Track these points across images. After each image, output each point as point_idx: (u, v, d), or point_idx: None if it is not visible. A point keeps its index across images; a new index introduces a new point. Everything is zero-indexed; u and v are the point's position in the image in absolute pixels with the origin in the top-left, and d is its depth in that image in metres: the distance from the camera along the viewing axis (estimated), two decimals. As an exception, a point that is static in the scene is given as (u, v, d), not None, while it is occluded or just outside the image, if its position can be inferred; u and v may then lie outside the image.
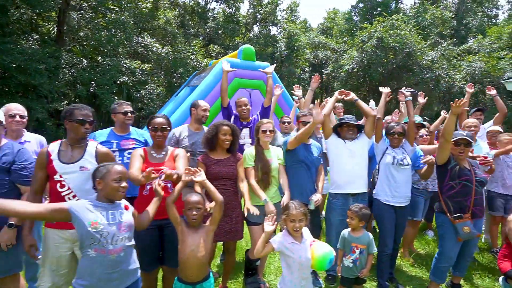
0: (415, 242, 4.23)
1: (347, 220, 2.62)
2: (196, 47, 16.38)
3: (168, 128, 2.62)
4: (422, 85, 17.32)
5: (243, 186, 2.74)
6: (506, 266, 2.82)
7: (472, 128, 3.67)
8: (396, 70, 17.33)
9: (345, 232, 2.65)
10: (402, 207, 3.01)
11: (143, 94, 13.66)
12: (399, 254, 3.83)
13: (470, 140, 2.76)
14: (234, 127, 2.79)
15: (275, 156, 2.99)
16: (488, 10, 27.39)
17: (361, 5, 23.95)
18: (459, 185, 2.71)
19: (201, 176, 2.16)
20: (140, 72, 13.51)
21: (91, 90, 11.66)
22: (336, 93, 3.15)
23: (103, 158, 2.30)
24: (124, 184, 1.86)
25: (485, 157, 3.33)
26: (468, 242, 2.82)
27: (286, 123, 3.93)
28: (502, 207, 3.83)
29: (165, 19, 17.30)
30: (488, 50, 17.52)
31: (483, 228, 4.49)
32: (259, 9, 20.26)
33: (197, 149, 3.12)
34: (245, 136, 3.73)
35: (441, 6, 23.94)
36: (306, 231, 2.22)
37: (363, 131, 3.14)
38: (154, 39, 15.01)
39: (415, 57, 15.59)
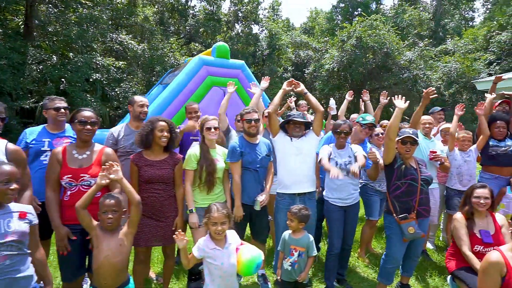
0: (374, 242, 4.19)
1: (287, 222, 2.51)
2: (174, 44, 16.04)
3: (97, 122, 2.42)
4: (401, 85, 17.60)
5: (179, 193, 2.62)
6: (452, 266, 2.78)
7: (427, 125, 3.64)
8: (376, 70, 17.54)
9: (286, 234, 2.54)
10: (350, 206, 2.93)
11: (118, 92, 13.26)
12: (356, 255, 3.78)
13: (416, 138, 2.70)
14: (172, 123, 2.63)
15: (221, 155, 2.86)
16: (465, 12, 28.18)
17: (342, 5, 24.14)
18: (405, 185, 2.65)
19: (117, 173, 1.99)
20: (115, 69, 13.13)
21: (61, 88, 11.22)
22: (284, 84, 3.01)
23: (13, 156, 2.10)
24: (13, 186, 1.67)
25: (434, 152, 3.30)
26: (414, 242, 2.76)
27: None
28: (458, 205, 3.82)
29: (143, 15, 16.88)
30: (463, 51, 17.96)
31: (441, 226, 4.50)
32: (241, 7, 20.07)
33: (137, 149, 2.94)
34: None
35: (420, 8, 24.44)
36: (231, 234, 2.09)
37: (311, 128, 3.04)
38: (131, 36, 14.61)
39: (393, 57, 15.79)
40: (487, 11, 25.97)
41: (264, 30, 21.16)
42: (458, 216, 2.77)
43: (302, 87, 2.96)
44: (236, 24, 21.19)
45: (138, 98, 3.06)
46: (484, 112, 3.69)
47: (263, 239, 3.01)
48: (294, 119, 2.89)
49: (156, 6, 19.09)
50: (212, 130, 2.76)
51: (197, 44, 20.30)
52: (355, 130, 3.44)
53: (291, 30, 24.30)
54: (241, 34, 20.26)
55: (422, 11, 22.86)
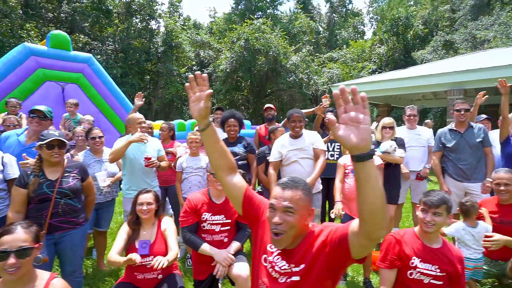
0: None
1: None
2: (32, 32, 13.81)
3: None
4: (294, 88, 18.60)
5: None
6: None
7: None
8: (269, 73, 18.15)
9: None
10: None
11: None
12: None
13: (64, 140, 2.28)
14: None
15: None
16: (358, 26, 31.79)
17: (240, 7, 24.57)
18: (36, 199, 2.21)
19: None
20: None
21: None
22: None
23: None
24: None
25: (148, 158, 3.02)
26: None
27: None
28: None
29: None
30: (343, 59, 19.92)
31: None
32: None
33: None
34: None
35: (317, 18, 26.53)
36: None
37: None
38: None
39: (280, 61, 16.49)
40: (372, 27, 29.70)
41: (160, 26, 20.07)
42: (124, 226, 2.45)
43: None
44: (134, 18, 19.55)
45: None
46: None
47: None
48: None
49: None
50: None
51: (82, 36, 18.05)
52: None
53: (191, 27, 23.62)
54: (133, 28, 18.76)
55: (317, 21, 24.78)
